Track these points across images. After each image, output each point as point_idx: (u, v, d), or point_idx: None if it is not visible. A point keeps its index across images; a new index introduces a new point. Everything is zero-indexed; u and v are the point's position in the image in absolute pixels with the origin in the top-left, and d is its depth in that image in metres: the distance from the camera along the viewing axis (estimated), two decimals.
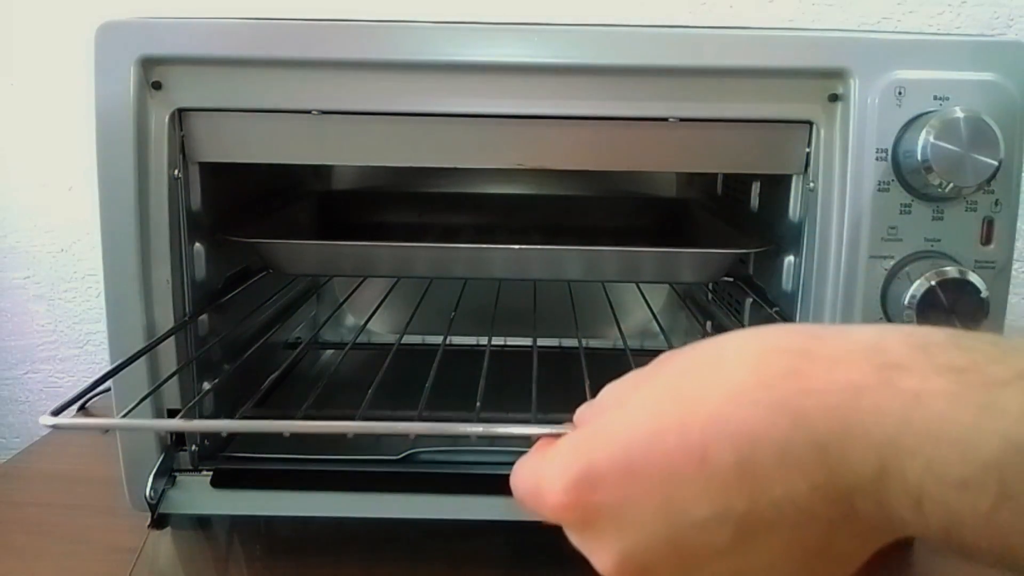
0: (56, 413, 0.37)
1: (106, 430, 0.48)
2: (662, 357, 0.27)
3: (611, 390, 0.29)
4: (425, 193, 0.83)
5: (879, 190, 0.46)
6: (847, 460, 0.22)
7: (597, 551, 0.26)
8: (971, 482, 0.20)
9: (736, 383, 0.24)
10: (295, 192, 0.78)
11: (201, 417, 0.53)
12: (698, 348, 0.26)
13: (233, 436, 0.57)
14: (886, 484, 0.21)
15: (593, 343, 0.81)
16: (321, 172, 0.84)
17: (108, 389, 0.44)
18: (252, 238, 0.56)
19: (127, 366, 0.45)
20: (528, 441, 0.31)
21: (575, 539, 0.27)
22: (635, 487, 0.24)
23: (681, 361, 0.26)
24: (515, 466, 0.29)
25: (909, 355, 0.22)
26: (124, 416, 0.43)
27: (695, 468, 0.23)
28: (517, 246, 0.57)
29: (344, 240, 0.67)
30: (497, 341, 0.66)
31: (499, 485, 0.50)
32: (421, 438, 0.55)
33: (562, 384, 0.56)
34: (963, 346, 0.22)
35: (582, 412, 0.30)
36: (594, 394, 0.30)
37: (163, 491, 0.50)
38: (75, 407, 0.39)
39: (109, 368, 0.45)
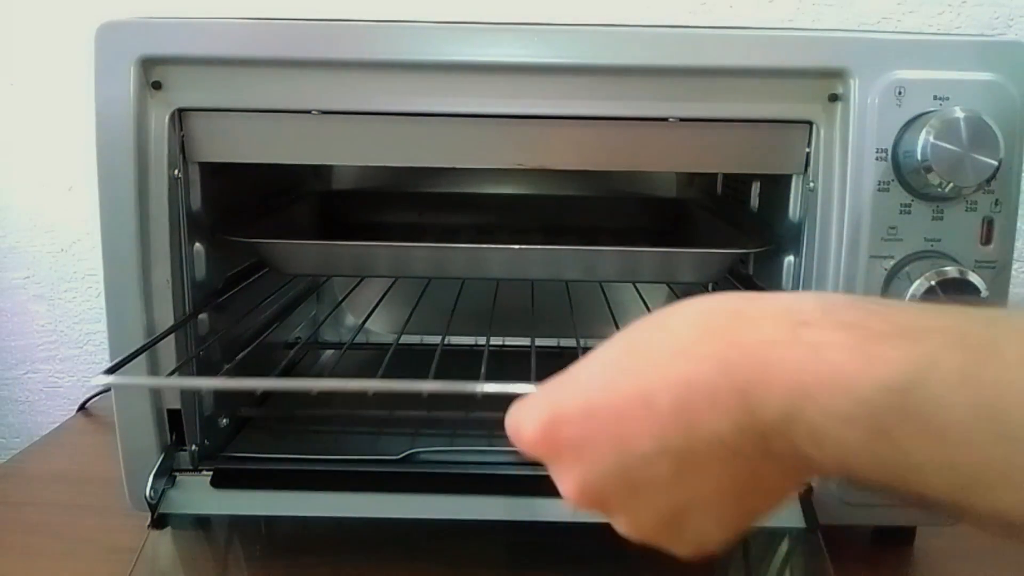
0: (109, 372, 0.40)
1: (157, 389, 0.50)
2: (626, 327, 0.31)
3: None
4: (425, 193, 0.83)
5: (879, 190, 0.46)
6: (762, 404, 0.25)
7: (563, 480, 0.30)
8: (853, 418, 0.24)
9: (679, 339, 0.28)
10: (295, 192, 0.78)
11: (201, 418, 0.53)
12: (652, 316, 0.30)
13: (233, 436, 0.57)
14: (792, 424, 0.25)
15: (592, 343, 0.80)
16: (321, 172, 0.84)
17: (108, 389, 0.45)
18: (252, 238, 0.56)
19: (132, 360, 0.45)
20: None
21: (549, 470, 0.31)
22: (593, 427, 0.28)
23: (637, 327, 0.31)
24: (508, 411, 0.33)
25: (815, 314, 0.26)
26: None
27: (641, 411, 0.27)
28: (516, 246, 0.57)
29: (344, 240, 0.67)
30: (495, 341, 0.66)
31: (499, 485, 0.51)
32: (421, 438, 0.55)
33: None
34: (857, 306, 0.26)
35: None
36: None
37: (163, 491, 0.50)
38: (78, 402, 0.39)
39: (109, 365, 0.45)
